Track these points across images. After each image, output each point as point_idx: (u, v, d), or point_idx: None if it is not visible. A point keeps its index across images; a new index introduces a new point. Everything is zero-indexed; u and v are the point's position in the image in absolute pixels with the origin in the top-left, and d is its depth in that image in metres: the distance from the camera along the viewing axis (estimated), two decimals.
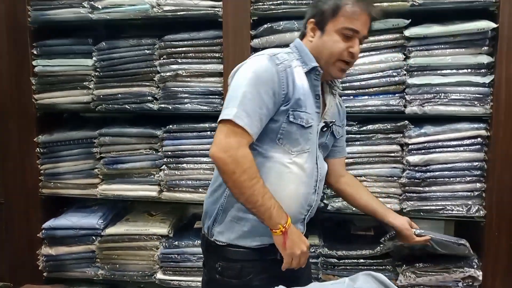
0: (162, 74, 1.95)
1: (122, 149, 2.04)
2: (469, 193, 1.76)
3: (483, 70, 1.70)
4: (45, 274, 2.14)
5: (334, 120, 1.31)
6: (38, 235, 2.12)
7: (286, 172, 1.18)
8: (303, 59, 1.22)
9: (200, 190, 1.98)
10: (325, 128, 1.27)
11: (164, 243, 2.02)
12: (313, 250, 1.87)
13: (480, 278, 1.72)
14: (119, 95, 2.00)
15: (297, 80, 1.17)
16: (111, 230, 2.07)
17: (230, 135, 1.09)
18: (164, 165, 2.01)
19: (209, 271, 1.28)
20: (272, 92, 1.13)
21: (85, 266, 2.11)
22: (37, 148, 2.11)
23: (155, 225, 2.08)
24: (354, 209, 1.80)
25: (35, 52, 2.07)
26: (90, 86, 2.04)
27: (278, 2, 1.80)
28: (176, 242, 2.01)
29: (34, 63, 2.07)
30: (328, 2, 1.19)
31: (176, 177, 1.99)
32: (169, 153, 1.99)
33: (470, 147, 1.74)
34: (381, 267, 1.82)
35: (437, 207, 1.78)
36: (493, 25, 1.63)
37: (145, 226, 2.07)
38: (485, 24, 1.63)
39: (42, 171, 2.13)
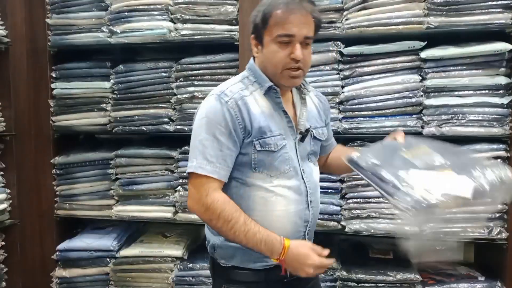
0: (178, 96, 1.98)
1: (138, 170, 2.05)
2: (490, 215, 1.73)
3: (501, 91, 1.70)
4: None
5: (309, 126, 1.23)
6: (52, 256, 2.11)
7: (270, 197, 1.16)
8: (258, 80, 1.19)
9: None
10: (303, 138, 1.21)
11: (178, 266, 2.00)
12: (330, 274, 1.84)
13: None
14: (136, 116, 2.03)
15: (253, 108, 1.14)
16: (125, 252, 2.06)
17: (198, 185, 1.12)
18: (179, 186, 2.01)
19: None
20: (228, 132, 1.12)
21: None
22: (53, 169, 2.12)
23: (170, 247, 2.06)
24: (372, 231, 1.80)
25: (54, 75, 2.11)
26: (107, 108, 2.07)
27: None
28: (191, 265, 1.99)
29: (52, 85, 2.11)
30: (259, 14, 1.15)
31: None
32: (185, 174, 1.98)
33: None
34: None
35: (457, 229, 1.74)
36: (510, 46, 1.63)
37: (159, 248, 2.06)
38: (502, 46, 1.64)
39: (57, 192, 2.14)
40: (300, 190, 1.19)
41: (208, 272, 1.91)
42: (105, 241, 2.09)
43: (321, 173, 1.33)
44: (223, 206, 1.11)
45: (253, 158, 1.14)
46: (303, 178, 1.20)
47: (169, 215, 2.02)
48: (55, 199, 2.14)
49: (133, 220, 2.10)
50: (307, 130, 1.22)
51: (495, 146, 1.71)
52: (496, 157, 1.71)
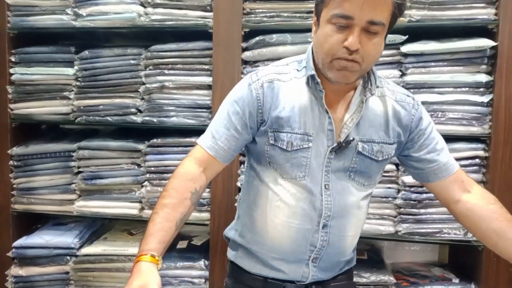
0: (147, 85, 1.86)
1: (102, 164, 1.92)
2: None
3: (481, 89, 1.65)
4: None
5: (351, 138, 1.00)
6: (7, 254, 1.97)
7: (276, 200, 1.03)
8: (307, 66, 1.02)
9: None
10: (340, 149, 1.00)
11: None
12: None
13: None
14: (101, 106, 1.90)
15: (283, 95, 1.00)
16: (87, 249, 1.93)
17: (189, 153, 1.05)
18: (146, 181, 1.89)
19: None
20: (241, 111, 1.01)
21: None
22: (11, 161, 1.97)
23: (135, 245, 1.95)
24: None
25: (13, 60, 1.95)
26: (70, 97, 1.93)
27: (271, 14, 1.74)
28: None
29: (11, 71, 1.96)
30: None
31: (159, 194, 1.86)
32: (152, 168, 1.88)
33: (467, 168, 1.66)
34: None
35: (433, 230, 1.69)
36: (492, 43, 1.58)
37: (124, 246, 1.94)
38: (484, 42, 1.58)
39: (14, 186, 1.99)
40: (312, 207, 1.01)
41: (174, 271, 1.86)
42: (65, 238, 1.95)
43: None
44: (172, 179, 1.03)
45: (265, 150, 1.02)
46: (322, 195, 1.01)
47: (135, 211, 1.90)
48: (12, 192, 2.00)
49: (97, 217, 1.97)
50: (348, 141, 1.00)
51: (473, 146, 1.67)
52: (474, 157, 1.67)
